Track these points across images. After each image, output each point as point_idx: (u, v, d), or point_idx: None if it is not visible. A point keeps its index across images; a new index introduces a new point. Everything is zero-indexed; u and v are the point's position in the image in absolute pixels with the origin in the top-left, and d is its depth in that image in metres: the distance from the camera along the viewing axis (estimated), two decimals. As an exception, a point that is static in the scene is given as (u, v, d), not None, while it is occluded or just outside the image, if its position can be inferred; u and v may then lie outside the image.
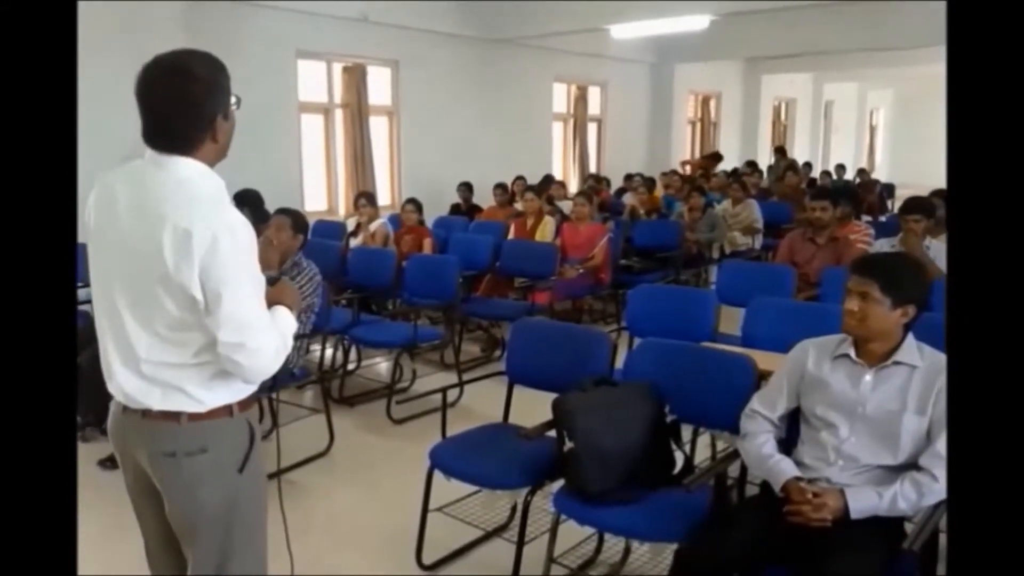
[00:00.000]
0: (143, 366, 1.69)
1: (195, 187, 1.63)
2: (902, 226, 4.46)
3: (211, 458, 1.73)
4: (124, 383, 1.72)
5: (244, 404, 1.79)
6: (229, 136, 1.72)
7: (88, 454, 3.85)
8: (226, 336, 1.62)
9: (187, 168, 1.65)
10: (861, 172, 12.41)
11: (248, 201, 5.72)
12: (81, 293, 3.70)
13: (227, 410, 1.75)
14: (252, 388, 1.81)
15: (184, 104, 1.62)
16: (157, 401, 1.70)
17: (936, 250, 4.29)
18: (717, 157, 12.28)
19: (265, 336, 1.68)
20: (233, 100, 1.72)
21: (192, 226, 1.56)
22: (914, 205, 4.41)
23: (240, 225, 1.63)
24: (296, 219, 3.97)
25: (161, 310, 1.63)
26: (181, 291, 1.60)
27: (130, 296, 1.67)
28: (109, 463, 3.69)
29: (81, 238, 1.77)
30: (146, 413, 1.72)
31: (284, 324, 1.79)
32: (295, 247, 3.93)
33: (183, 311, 1.63)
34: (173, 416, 1.70)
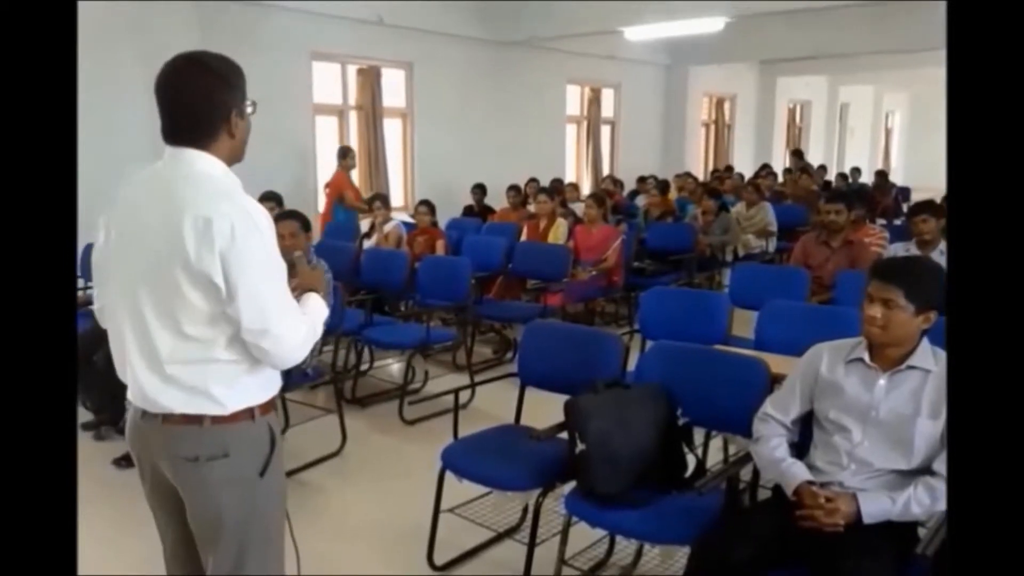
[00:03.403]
0: (167, 368, 1.68)
1: (213, 179, 1.67)
2: (912, 229, 4.46)
3: (233, 462, 1.73)
4: (146, 386, 1.71)
5: (264, 407, 1.78)
6: (244, 135, 1.75)
7: (103, 453, 3.88)
8: (249, 323, 1.63)
9: (204, 161, 1.68)
10: (879, 174, 12.32)
11: (274, 199, 5.80)
12: (86, 295, 3.76)
13: (248, 413, 1.74)
14: (273, 391, 1.81)
15: (200, 96, 1.67)
16: (180, 404, 1.69)
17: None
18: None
19: (289, 321, 1.69)
20: (249, 104, 1.76)
21: (212, 214, 1.58)
22: (920, 206, 4.53)
23: (258, 212, 1.65)
24: (302, 220, 4.02)
25: (185, 304, 1.63)
26: (204, 279, 1.60)
27: (154, 294, 1.67)
28: (124, 462, 3.72)
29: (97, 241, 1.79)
30: (167, 418, 1.71)
31: (315, 311, 1.84)
32: (307, 248, 3.98)
33: (208, 302, 1.63)
34: (195, 420, 1.70)
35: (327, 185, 7.87)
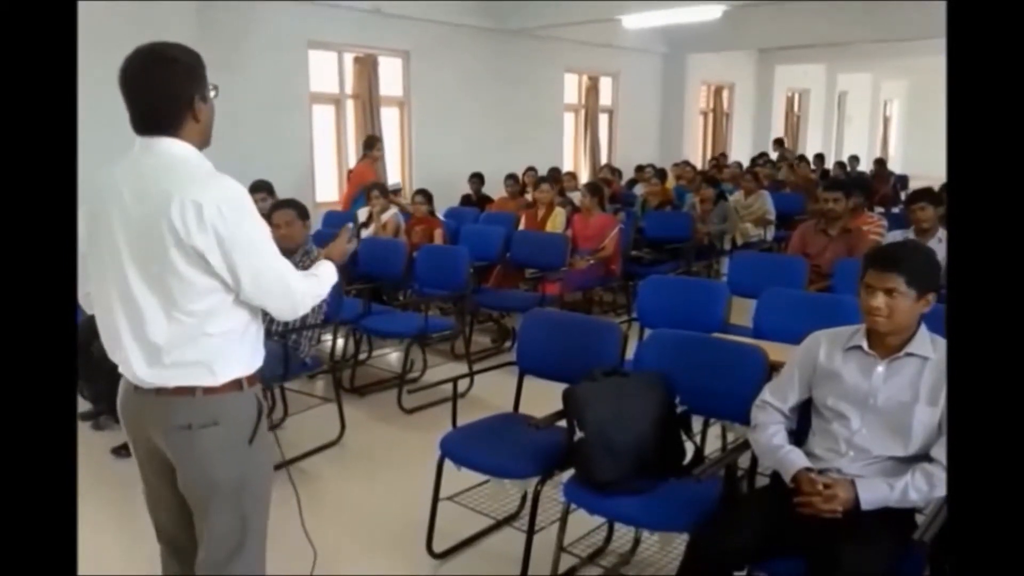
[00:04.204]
0: (165, 356, 1.76)
1: (191, 163, 1.76)
2: (910, 217, 4.47)
3: (223, 431, 1.82)
4: (141, 370, 1.78)
5: (251, 379, 1.88)
6: (209, 119, 1.84)
7: (101, 442, 3.89)
8: (251, 289, 1.77)
9: (178, 147, 1.77)
10: (878, 162, 12.32)
11: (264, 189, 5.79)
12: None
13: (237, 384, 1.84)
14: (259, 363, 1.91)
15: (164, 85, 1.75)
16: (174, 379, 1.78)
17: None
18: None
19: (288, 280, 1.84)
20: (211, 88, 1.84)
21: (200, 197, 1.68)
22: (919, 194, 4.53)
23: (237, 188, 1.76)
24: (298, 208, 3.98)
25: (181, 281, 1.71)
26: (198, 256, 1.69)
27: (146, 276, 1.73)
28: (123, 451, 3.72)
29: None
30: (160, 390, 1.80)
31: (325, 274, 2.01)
32: (305, 235, 3.95)
33: (205, 276, 1.72)
34: (188, 391, 1.78)
35: (349, 174, 7.77)
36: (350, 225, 2.31)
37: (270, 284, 1.80)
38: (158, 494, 1.99)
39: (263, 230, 1.81)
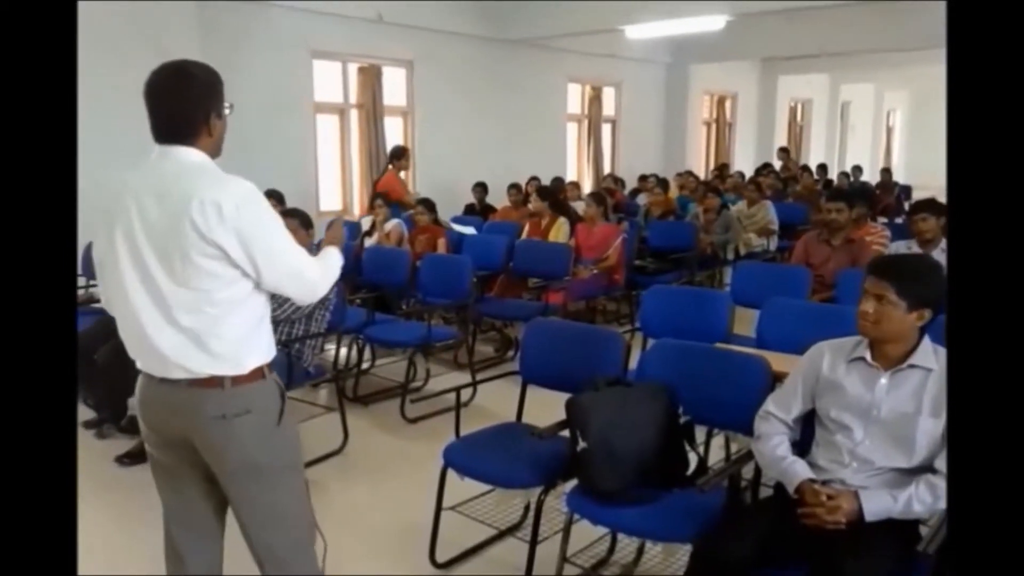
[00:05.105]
0: (193, 345, 1.86)
1: (207, 169, 1.89)
2: (911, 227, 4.46)
3: (256, 418, 1.94)
4: (171, 354, 1.87)
5: (270, 367, 2.02)
6: (221, 133, 1.97)
7: (105, 451, 3.88)
8: (270, 277, 1.90)
9: (195, 155, 1.90)
10: (884, 172, 12.32)
11: (275, 198, 5.83)
12: (88, 294, 3.75)
13: (260, 373, 1.96)
14: (273, 351, 2.03)
15: (184, 101, 1.89)
16: (205, 367, 1.88)
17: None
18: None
19: (303, 265, 1.98)
20: (227, 106, 1.97)
21: (219, 197, 1.80)
22: (920, 205, 4.51)
23: (253, 189, 1.89)
24: (302, 217, 3.99)
25: (204, 273, 1.82)
26: (218, 249, 1.81)
27: (172, 274, 1.83)
28: (126, 459, 3.73)
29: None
30: (192, 382, 1.89)
31: (332, 259, 2.14)
32: (308, 244, 3.96)
33: (226, 266, 1.84)
34: (217, 381, 1.90)
35: (374, 184, 7.75)
36: (336, 219, 2.43)
37: (286, 270, 1.92)
38: (172, 475, 2.09)
39: (278, 222, 1.94)
